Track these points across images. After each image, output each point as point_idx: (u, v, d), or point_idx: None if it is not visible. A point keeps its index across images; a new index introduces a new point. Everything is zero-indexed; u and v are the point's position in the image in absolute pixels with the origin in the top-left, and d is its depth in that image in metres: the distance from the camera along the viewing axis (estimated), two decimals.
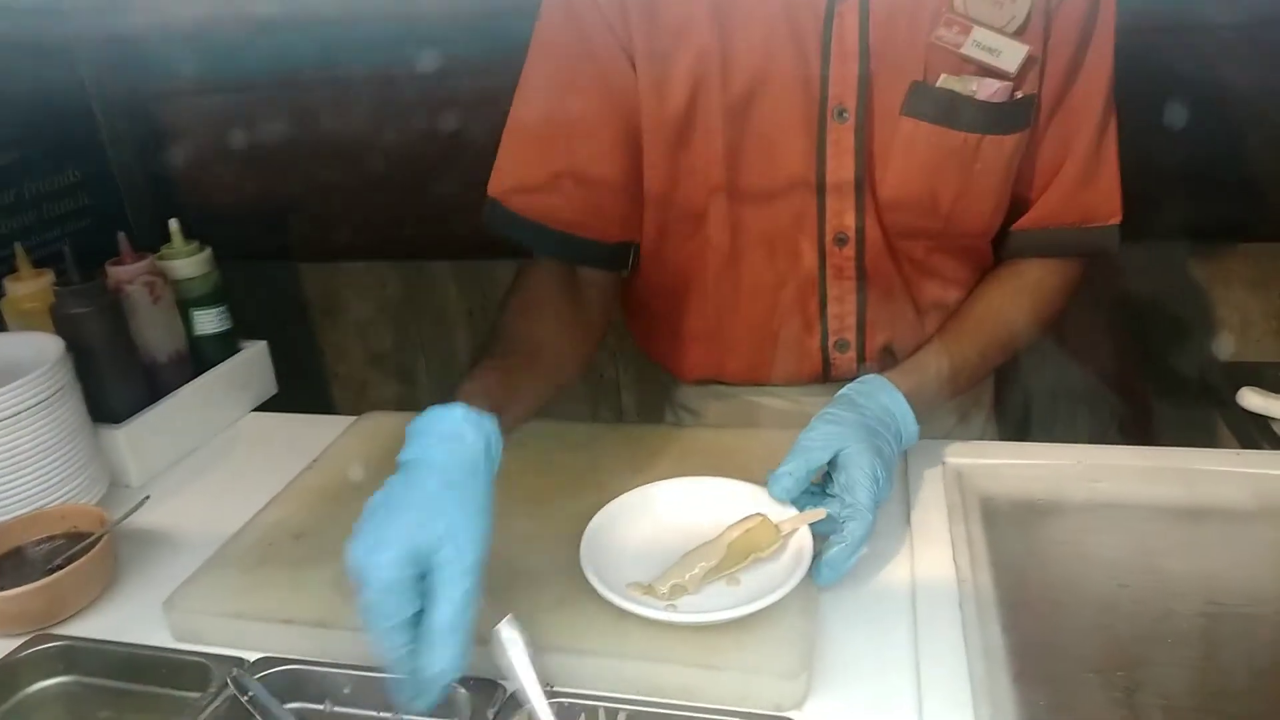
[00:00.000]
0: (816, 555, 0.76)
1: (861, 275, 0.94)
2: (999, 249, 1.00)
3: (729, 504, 0.82)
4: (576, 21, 0.88)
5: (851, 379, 0.98)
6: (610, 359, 1.84)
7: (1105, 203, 0.94)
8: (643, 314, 1.10)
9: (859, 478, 0.77)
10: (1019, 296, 0.97)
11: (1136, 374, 1.66)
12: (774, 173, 0.90)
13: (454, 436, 0.68)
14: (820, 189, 0.90)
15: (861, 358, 0.99)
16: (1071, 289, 0.99)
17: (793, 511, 0.80)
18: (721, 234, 0.95)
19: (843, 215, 0.91)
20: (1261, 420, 1.27)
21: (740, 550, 0.76)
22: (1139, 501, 0.89)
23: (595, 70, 0.89)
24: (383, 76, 1.67)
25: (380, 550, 0.61)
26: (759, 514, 0.78)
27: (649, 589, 0.74)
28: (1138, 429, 1.67)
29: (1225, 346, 1.64)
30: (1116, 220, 0.95)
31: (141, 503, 0.92)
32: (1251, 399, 1.28)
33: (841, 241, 0.92)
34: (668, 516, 0.83)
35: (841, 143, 0.88)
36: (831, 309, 0.96)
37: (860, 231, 0.91)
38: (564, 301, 0.93)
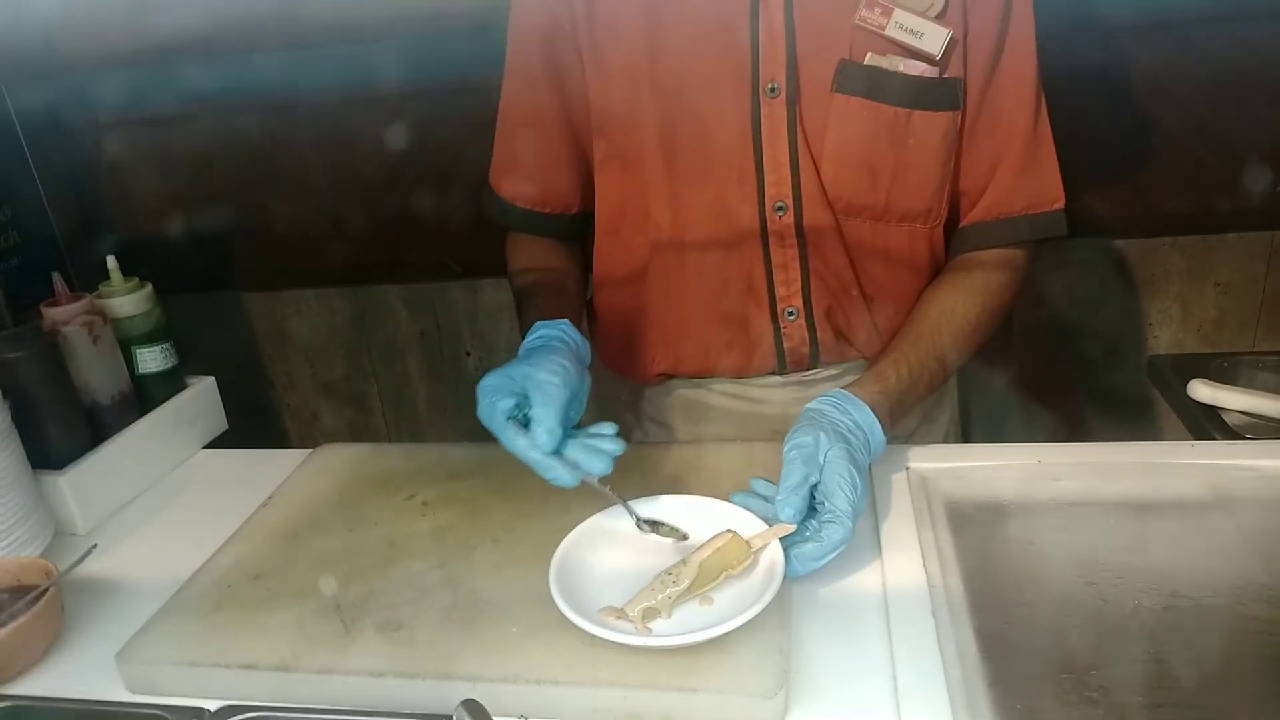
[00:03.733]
0: (786, 548, 0.76)
1: (802, 242, 0.97)
2: (952, 247, 1.02)
3: (698, 522, 0.81)
4: (534, 16, 0.97)
5: (805, 360, 1.02)
6: None
7: (1049, 188, 0.98)
8: (595, 318, 1.13)
9: (838, 484, 0.78)
10: (970, 295, 0.99)
11: (1086, 370, 1.69)
12: (712, 148, 0.95)
13: (540, 339, 0.88)
14: (759, 163, 0.94)
15: (811, 326, 1.01)
16: (1019, 284, 1.01)
17: (762, 526, 0.79)
18: (664, 213, 0.99)
19: (780, 185, 0.95)
20: (1212, 411, 1.30)
21: (712, 569, 0.75)
22: (1100, 498, 0.90)
23: (547, 61, 0.98)
24: (326, 100, 1.64)
25: (487, 380, 0.81)
26: (729, 531, 0.77)
27: (621, 613, 0.73)
28: (1092, 425, 1.70)
29: (1170, 339, 1.68)
30: (1061, 204, 0.99)
31: (89, 551, 0.89)
32: (1201, 390, 1.30)
33: (780, 209, 0.96)
34: (636, 538, 0.82)
35: (775, 116, 0.93)
36: (777, 275, 0.99)
37: (798, 200, 0.95)
38: (554, 249, 1.10)
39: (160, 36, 1.54)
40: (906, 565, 0.81)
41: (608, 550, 0.81)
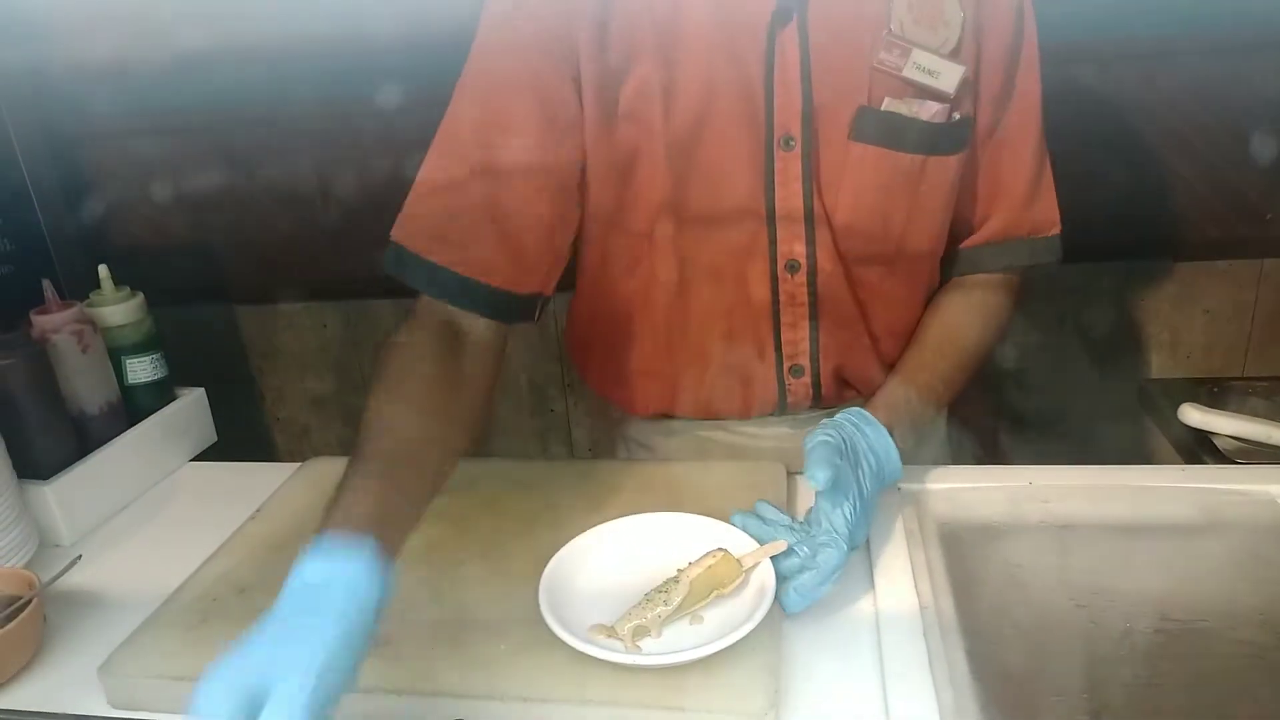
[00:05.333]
0: (783, 580, 0.76)
1: (814, 301, 0.94)
2: (948, 267, 1.01)
3: (688, 540, 0.81)
4: (519, 53, 0.85)
5: (806, 408, 0.98)
6: (560, 393, 1.83)
7: (1047, 215, 0.97)
8: (589, 350, 1.09)
9: (838, 502, 0.77)
10: (971, 315, 0.98)
11: (1078, 395, 1.70)
12: (722, 203, 0.89)
13: (324, 572, 0.62)
14: (770, 217, 0.90)
15: (817, 382, 0.99)
16: (1014, 305, 1.01)
17: (753, 545, 0.79)
18: (669, 265, 0.94)
19: (793, 243, 0.91)
20: (1203, 435, 1.30)
21: (703, 587, 0.75)
22: (1090, 521, 0.90)
23: (535, 105, 0.85)
24: (319, 113, 1.65)
25: (207, 683, 0.56)
26: (720, 549, 0.77)
27: (610, 631, 0.73)
28: (1083, 449, 1.70)
29: (1160, 364, 1.69)
30: (1058, 230, 0.98)
31: (73, 563, 0.88)
32: (1192, 415, 1.31)
33: (793, 268, 0.92)
34: (626, 555, 0.82)
35: (789, 170, 0.88)
36: (785, 335, 0.96)
37: (811, 258, 0.91)
38: (444, 378, 0.81)
39: (154, 47, 1.54)
40: (898, 586, 0.80)
41: (597, 568, 0.80)
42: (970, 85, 0.88)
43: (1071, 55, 1.43)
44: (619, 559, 0.81)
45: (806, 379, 0.98)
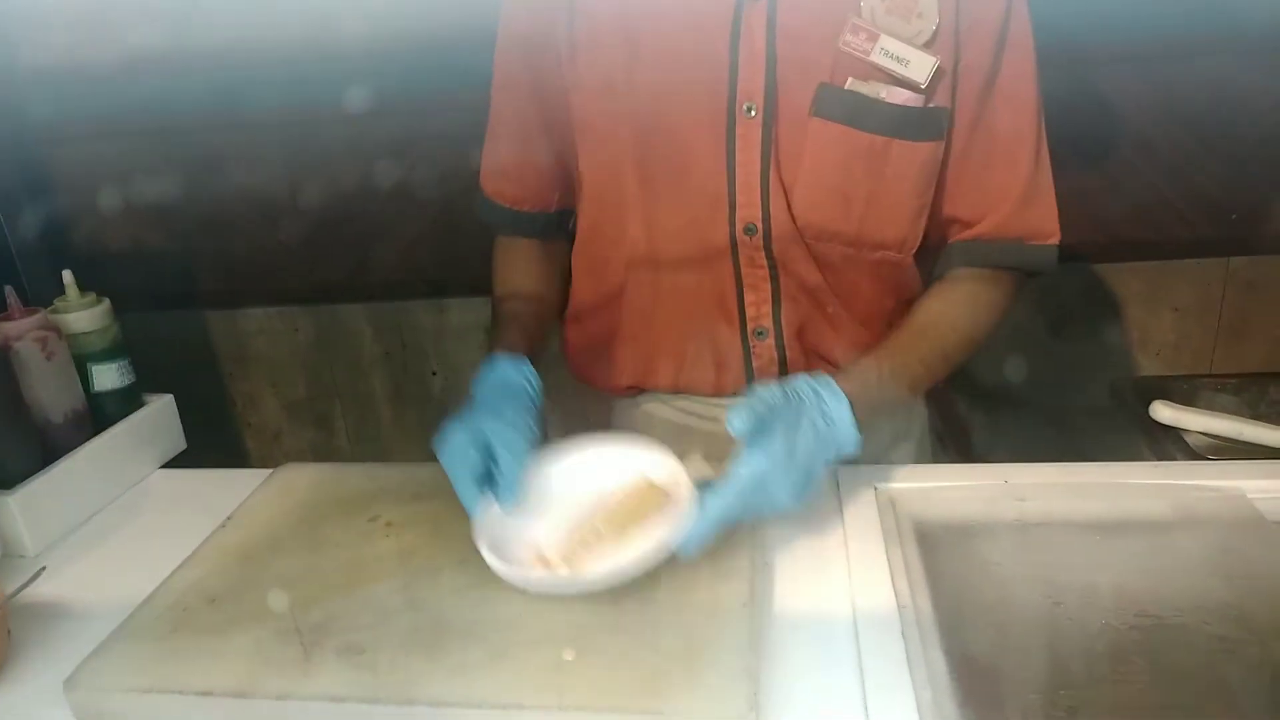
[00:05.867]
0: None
1: (772, 263, 0.97)
2: (941, 262, 1.01)
3: (611, 470, 0.86)
4: (519, 21, 0.99)
5: (775, 381, 0.99)
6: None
7: (1045, 222, 0.97)
8: (571, 327, 1.12)
9: (754, 460, 0.76)
10: (958, 306, 0.99)
11: (1048, 393, 1.71)
12: (688, 167, 0.94)
13: (501, 381, 0.90)
14: (731, 180, 0.93)
15: (781, 347, 1.01)
16: (1006, 305, 1.01)
17: (674, 471, 0.83)
18: (639, 228, 0.98)
19: (751, 207, 0.94)
20: (1174, 432, 1.31)
21: (628, 514, 0.79)
22: (1065, 518, 0.91)
23: (529, 66, 0.99)
24: (288, 118, 1.63)
25: (451, 435, 0.84)
26: (643, 477, 0.82)
27: (547, 562, 0.77)
28: (1056, 446, 1.72)
29: (1130, 362, 1.71)
30: (1056, 240, 0.98)
31: (38, 574, 0.86)
32: (1163, 412, 1.32)
33: (750, 231, 0.95)
34: (556, 490, 0.86)
35: (749, 137, 0.92)
36: (748, 296, 0.99)
37: (767, 222, 0.94)
38: (535, 259, 1.11)
39: (121, 51, 1.52)
40: (876, 586, 0.80)
41: (532, 507, 0.84)
42: (947, 78, 0.89)
43: (1040, 55, 1.44)
44: (550, 496, 0.85)
45: (770, 342, 1.01)
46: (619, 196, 0.98)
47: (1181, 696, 0.72)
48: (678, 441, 1.07)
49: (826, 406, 0.83)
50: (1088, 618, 0.78)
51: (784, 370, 1.02)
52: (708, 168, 0.93)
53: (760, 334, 1.01)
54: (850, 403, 0.84)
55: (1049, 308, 1.69)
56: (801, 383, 0.84)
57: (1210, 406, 1.38)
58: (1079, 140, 1.53)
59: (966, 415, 1.73)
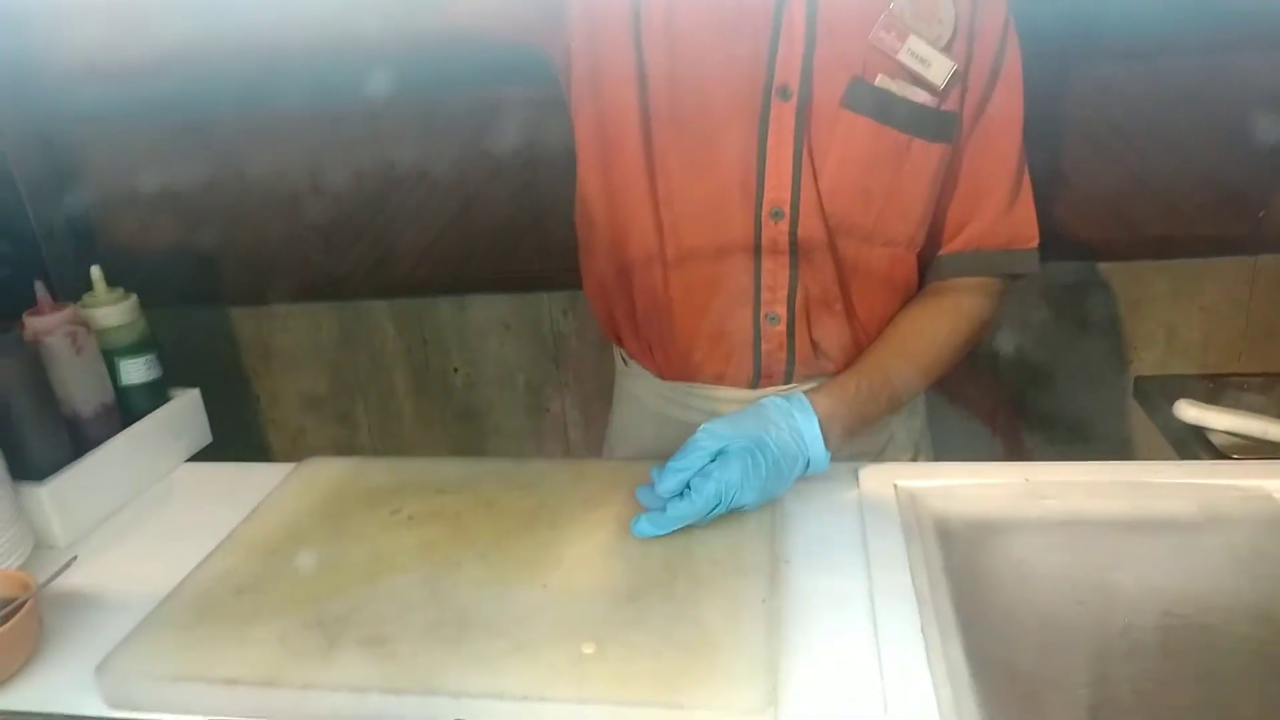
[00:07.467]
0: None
1: (794, 249, 0.97)
2: (926, 274, 1.04)
3: None
4: None
5: (780, 372, 1.03)
6: (556, 393, 1.83)
7: (1025, 226, 1.01)
8: (600, 291, 1.12)
9: (718, 475, 0.82)
10: (940, 318, 1.00)
11: (1072, 392, 1.70)
12: (718, 144, 0.94)
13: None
14: (761, 162, 0.94)
15: (791, 334, 1.01)
16: (992, 312, 1.03)
17: None
18: (666, 203, 0.98)
19: (780, 190, 0.95)
20: (1198, 431, 1.30)
21: None
22: (1088, 517, 0.90)
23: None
24: (313, 114, 1.64)
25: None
26: None
27: None
28: (1079, 446, 1.71)
29: (1156, 360, 1.69)
30: (1035, 243, 1.01)
31: (69, 563, 0.87)
32: (1187, 411, 1.30)
33: (777, 215, 0.96)
34: None
35: (783, 119, 0.92)
36: (765, 280, 1.00)
37: (795, 208, 0.95)
38: None
39: (147, 48, 1.54)
40: (896, 583, 0.80)
41: None
42: (959, 82, 0.92)
43: (1066, 53, 1.43)
44: None
45: (781, 328, 1.01)
46: (636, 171, 0.97)
47: (1206, 697, 0.72)
48: (667, 433, 1.08)
49: (796, 422, 0.88)
50: (1111, 617, 0.78)
51: (790, 360, 1.03)
52: (738, 147, 0.94)
53: (772, 319, 1.01)
54: (820, 420, 0.88)
55: (1074, 305, 1.67)
56: (774, 400, 0.89)
57: (1237, 405, 1.36)
58: (1105, 137, 1.52)
59: (989, 413, 1.72)
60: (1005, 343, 1.67)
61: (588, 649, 0.72)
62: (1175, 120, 1.51)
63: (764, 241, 0.97)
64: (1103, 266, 1.65)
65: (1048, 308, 1.66)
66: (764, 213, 0.96)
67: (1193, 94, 1.49)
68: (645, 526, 0.83)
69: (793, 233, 0.96)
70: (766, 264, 0.99)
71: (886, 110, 0.91)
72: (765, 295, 1.00)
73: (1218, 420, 1.30)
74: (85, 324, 1.05)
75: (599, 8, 0.93)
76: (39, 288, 1.04)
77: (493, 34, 0.98)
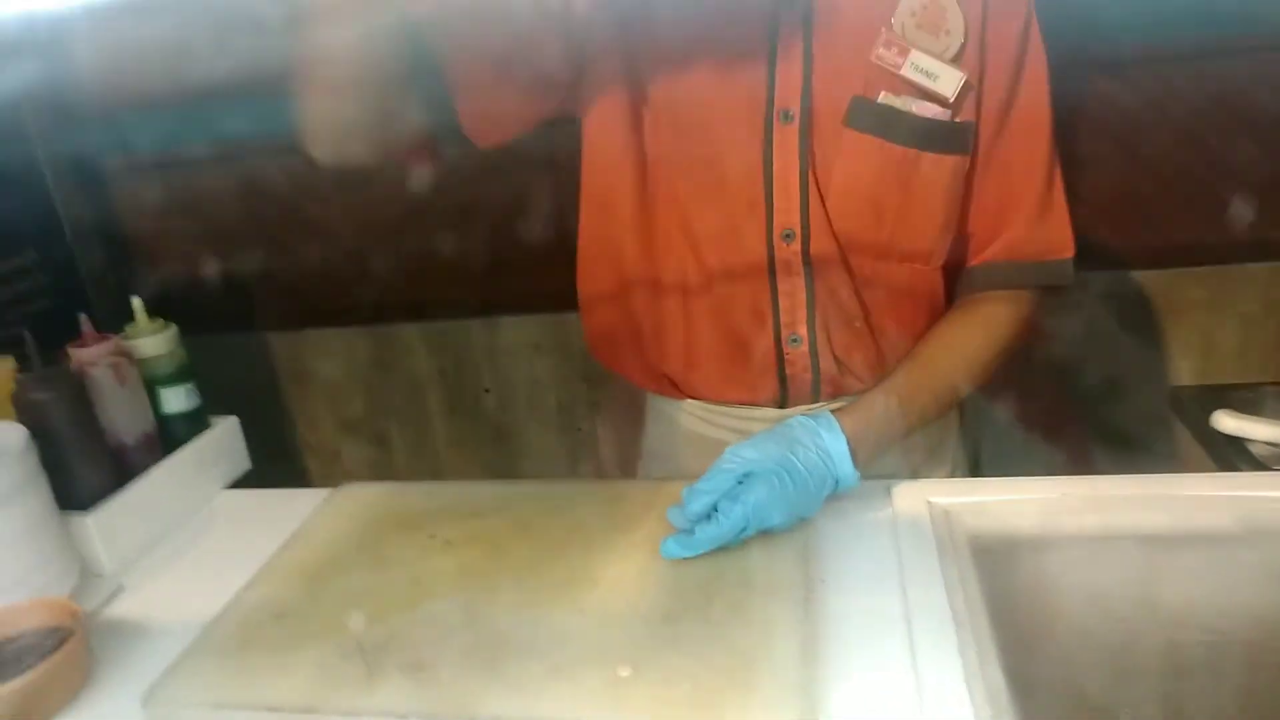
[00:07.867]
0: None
1: (809, 270, 0.98)
2: (958, 287, 1.03)
3: None
4: None
5: (808, 391, 1.03)
6: (588, 412, 1.83)
7: (1059, 237, 0.99)
8: (604, 325, 1.12)
9: (745, 498, 0.81)
10: (971, 330, 0.99)
11: (1108, 403, 1.68)
12: (724, 172, 0.95)
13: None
14: (768, 188, 0.94)
15: (815, 354, 1.01)
16: (1026, 324, 1.01)
17: None
18: (673, 233, 0.99)
19: (789, 213, 0.95)
20: (1237, 442, 1.28)
21: None
22: (1127, 531, 0.89)
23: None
24: None
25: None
26: None
27: None
28: (1115, 458, 1.68)
29: (1193, 370, 1.67)
30: (1070, 254, 0.99)
31: (115, 592, 0.89)
32: (1226, 422, 1.29)
33: (788, 237, 0.96)
34: None
35: (787, 143, 0.93)
36: (783, 302, 1.00)
37: (805, 229, 0.95)
38: None
39: (184, 80, 1.57)
40: (932, 602, 0.80)
41: None
42: (973, 92, 0.91)
43: (1096, 61, 1.42)
44: None
45: (804, 349, 1.01)
46: (650, 200, 0.98)
47: (1250, 714, 0.71)
48: (700, 452, 1.08)
49: (823, 442, 0.87)
50: (1152, 634, 0.77)
51: (816, 379, 1.03)
52: (744, 173, 0.95)
53: (794, 341, 1.01)
54: (848, 438, 0.87)
55: (1108, 315, 1.66)
56: (801, 419, 0.89)
57: (1277, 415, 1.34)
58: (1138, 144, 1.51)
59: (1022, 426, 1.70)
60: (1039, 354, 1.66)
61: (624, 672, 0.72)
62: (1209, 126, 1.50)
63: (778, 264, 0.98)
64: (1136, 274, 1.63)
65: (1082, 318, 1.64)
66: (775, 235, 0.96)
67: (1228, 99, 1.48)
68: (674, 549, 0.84)
69: (805, 253, 0.97)
70: (783, 286, 0.99)
71: (891, 126, 0.91)
72: (784, 318, 1.00)
73: (1257, 431, 1.28)
74: (128, 354, 1.07)
75: (598, 47, 0.94)
76: (83, 320, 1.06)
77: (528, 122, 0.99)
